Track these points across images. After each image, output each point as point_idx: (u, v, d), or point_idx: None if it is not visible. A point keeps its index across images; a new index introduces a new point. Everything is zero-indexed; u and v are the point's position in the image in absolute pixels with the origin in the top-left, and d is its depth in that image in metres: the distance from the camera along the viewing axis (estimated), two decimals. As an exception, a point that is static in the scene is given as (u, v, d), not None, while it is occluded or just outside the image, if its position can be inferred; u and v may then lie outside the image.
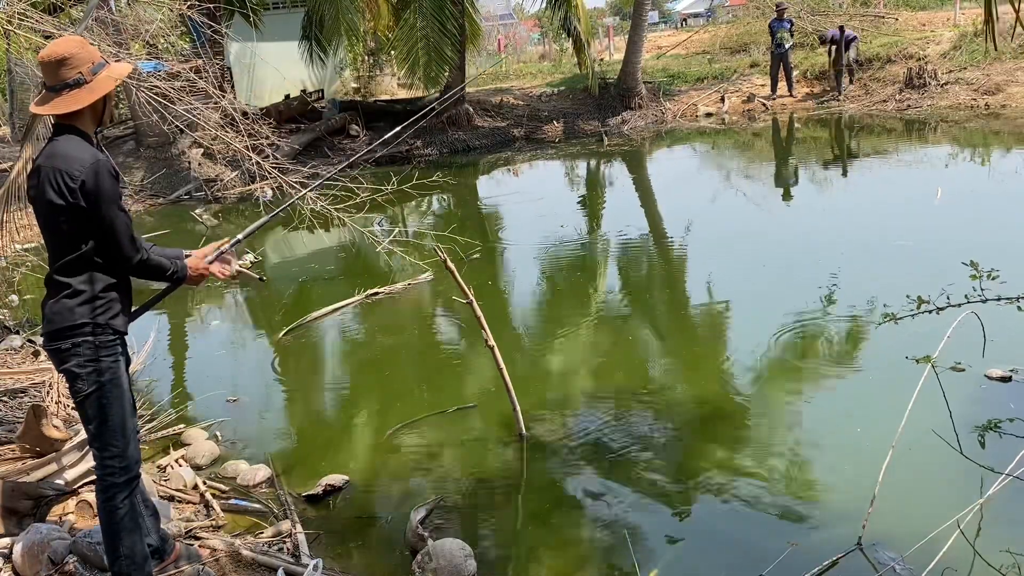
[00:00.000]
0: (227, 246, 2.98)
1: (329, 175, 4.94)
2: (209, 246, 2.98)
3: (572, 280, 7.32)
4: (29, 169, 2.92)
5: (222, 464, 4.18)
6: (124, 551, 2.72)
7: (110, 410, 2.65)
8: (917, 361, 2.51)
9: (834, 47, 15.53)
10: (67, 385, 2.70)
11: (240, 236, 3.10)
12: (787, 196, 10.17)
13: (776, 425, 4.19)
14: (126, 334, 2.73)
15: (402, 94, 19.23)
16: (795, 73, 16.41)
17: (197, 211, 11.10)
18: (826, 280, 6.18)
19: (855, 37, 15.68)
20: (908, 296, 2.42)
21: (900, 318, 2.44)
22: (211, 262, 2.92)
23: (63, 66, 2.59)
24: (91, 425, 2.69)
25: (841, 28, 15.53)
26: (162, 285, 2.90)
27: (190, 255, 2.91)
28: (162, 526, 3.10)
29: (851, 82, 15.79)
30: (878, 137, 13.16)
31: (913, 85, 14.95)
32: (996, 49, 13.27)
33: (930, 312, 2.38)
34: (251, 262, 3.20)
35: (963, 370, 4.21)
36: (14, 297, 7.34)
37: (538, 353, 5.60)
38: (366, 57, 19.88)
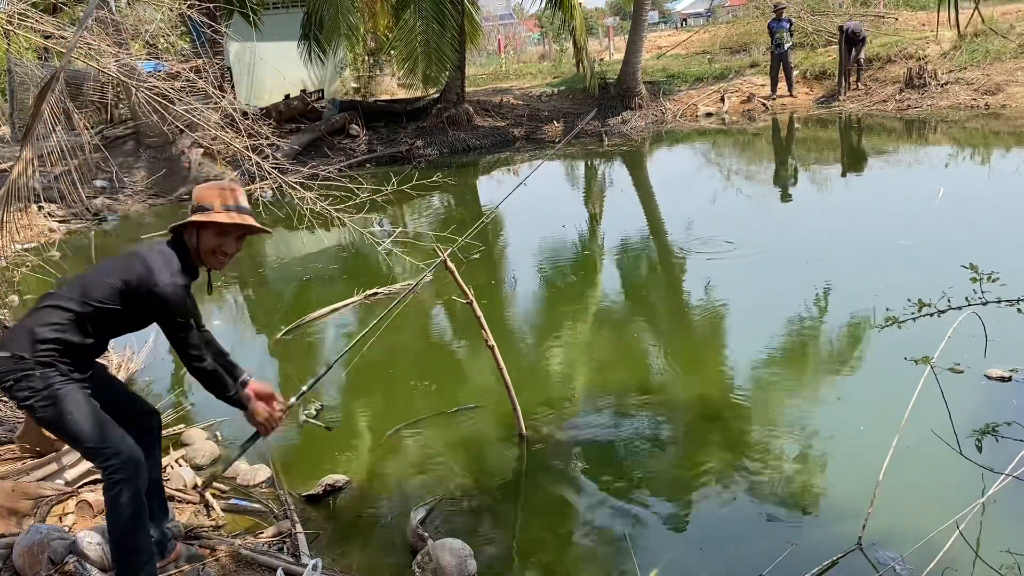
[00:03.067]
0: (294, 400, 3.19)
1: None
2: (269, 388, 3.17)
3: (572, 280, 7.32)
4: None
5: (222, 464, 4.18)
6: (132, 546, 2.72)
7: (75, 421, 2.65)
8: (916, 362, 2.51)
9: (848, 44, 15.24)
10: (35, 414, 2.72)
11: (305, 388, 3.28)
12: (786, 196, 10.17)
13: (776, 425, 4.19)
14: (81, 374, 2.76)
15: (402, 94, 19.25)
16: (795, 73, 16.40)
17: (197, 211, 11.07)
18: (827, 280, 6.18)
19: (864, 38, 15.51)
20: (909, 299, 2.42)
21: (902, 321, 2.44)
22: (282, 411, 3.15)
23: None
24: (74, 441, 2.72)
25: (855, 31, 15.22)
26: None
27: (248, 381, 3.10)
28: (167, 526, 3.10)
29: (858, 80, 15.74)
30: (878, 137, 13.16)
31: (913, 85, 14.95)
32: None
33: (931, 315, 2.38)
34: (316, 411, 3.37)
35: (961, 371, 4.21)
36: (14, 297, 7.33)
37: (538, 353, 5.60)
38: (366, 57, 19.89)
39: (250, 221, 2.82)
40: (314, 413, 3.28)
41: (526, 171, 13.66)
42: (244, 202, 2.84)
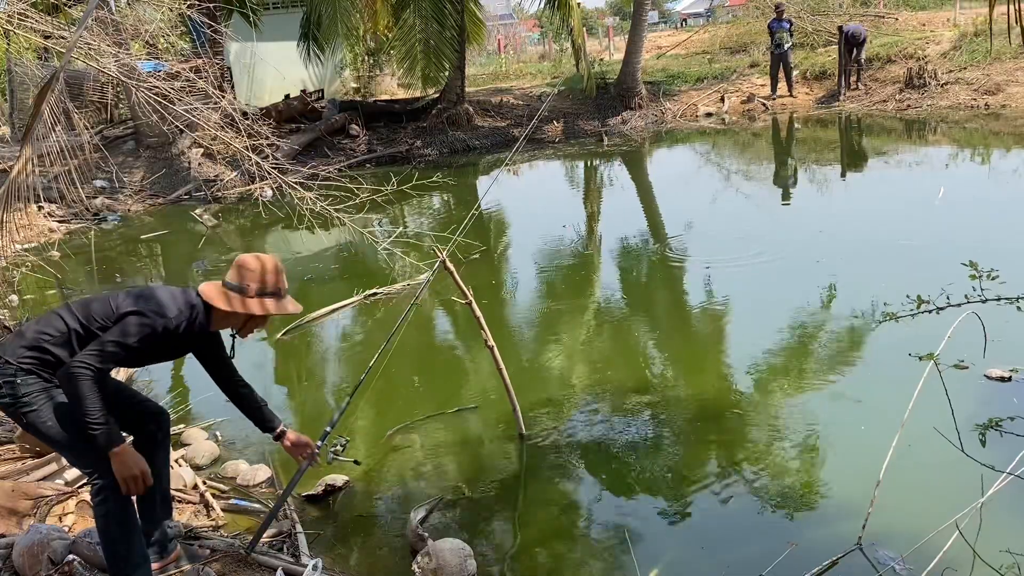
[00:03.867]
0: (321, 443, 3.23)
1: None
2: (304, 438, 3.18)
3: (572, 280, 7.32)
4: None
5: (222, 464, 4.18)
6: (121, 553, 2.72)
7: (54, 429, 2.63)
8: (920, 358, 2.50)
9: (848, 46, 15.24)
10: (21, 421, 2.70)
11: (329, 428, 3.29)
12: (787, 196, 10.17)
13: (776, 425, 4.19)
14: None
15: (402, 94, 19.24)
16: (795, 73, 16.40)
17: (197, 211, 11.10)
18: (827, 279, 6.18)
19: (864, 39, 15.52)
20: (908, 296, 2.42)
21: (900, 317, 2.43)
22: (308, 460, 3.17)
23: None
24: (57, 447, 2.71)
25: (854, 34, 15.28)
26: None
27: (284, 432, 3.14)
28: (168, 526, 3.10)
29: (858, 80, 15.74)
30: (878, 137, 13.16)
31: (913, 85, 14.94)
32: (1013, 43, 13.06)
33: (930, 312, 2.38)
34: (342, 447, 3.38)
35: (967, 368, 4.18)
36: (14, 297, 7.33)
37: (538, 353, 5.60)
38: (366, 57, 19.89)
39: (299, 308, 2.96)
40: (340, 449, 3.32)
41: (525, 171, 13.68)
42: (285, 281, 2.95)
